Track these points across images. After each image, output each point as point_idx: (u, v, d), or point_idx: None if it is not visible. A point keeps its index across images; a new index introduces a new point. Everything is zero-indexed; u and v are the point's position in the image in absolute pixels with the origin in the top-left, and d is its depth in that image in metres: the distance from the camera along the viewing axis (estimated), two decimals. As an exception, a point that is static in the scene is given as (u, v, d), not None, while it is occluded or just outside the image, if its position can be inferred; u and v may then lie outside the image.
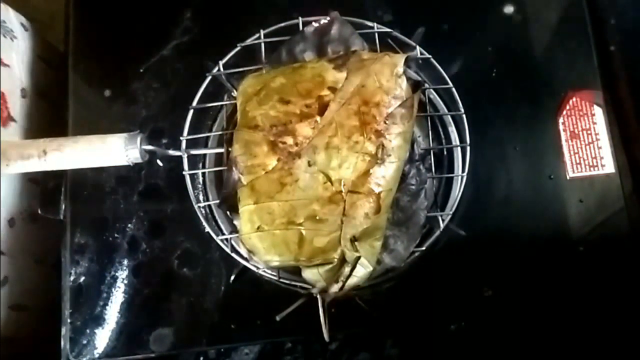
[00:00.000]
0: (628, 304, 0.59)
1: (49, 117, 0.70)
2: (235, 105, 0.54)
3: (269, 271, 0.54)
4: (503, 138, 0.63)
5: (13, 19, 0.66)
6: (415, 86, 0.52)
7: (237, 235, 0.53)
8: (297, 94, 0.50)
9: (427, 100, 0.57)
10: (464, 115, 0.56)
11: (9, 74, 0.64)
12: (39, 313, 0.69)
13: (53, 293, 0.62)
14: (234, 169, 0.50)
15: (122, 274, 0.61)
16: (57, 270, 0.61)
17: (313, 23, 0.55)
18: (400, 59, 0.51)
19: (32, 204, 0.66)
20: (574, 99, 0.64)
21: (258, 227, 0.48)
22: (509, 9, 0.66)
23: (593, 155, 0.63)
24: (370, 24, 0.56)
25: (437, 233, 0.54)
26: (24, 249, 0.67)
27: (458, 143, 0.60)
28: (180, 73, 0.65)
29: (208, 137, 0.62)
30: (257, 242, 0.49)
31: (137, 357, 0.59)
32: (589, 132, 0.63)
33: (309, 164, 0.48)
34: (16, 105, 0.64)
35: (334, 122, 0.49)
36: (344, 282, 0.48)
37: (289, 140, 0.49)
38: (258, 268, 0.54)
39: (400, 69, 0.51)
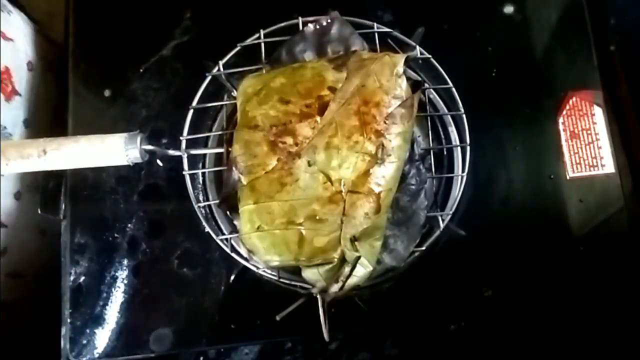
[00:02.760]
0: (628, 303, 0.59)
1: (54, 89, 0.70)
2: (235, 105, 0.53)
3: (269, 271, 0.54)
4: (503, 138, 0.63)
5: None
6: (415, 86, 0.52)
7: (237, 235, 0.53)
8: (297, 94, 0.50)
9: (427, 100, 0.57)
10: (464, 115, 0.56)
11: (12, 48, 0.63)
12: (36, 279, 0.69)
13: (52, 260, 0.62)
14: (234, 169, 0.50)
15: (122, 274, 0.61)
16: (58, 237, 0.62)
17: (310, 24, 0.55)
18: (400, 58, 0.51)
19: (37, 178, 0.67)
20: (574, 99, 0.64)
21: (258, 227, 0.48)
22: (509, 9, 0.66)
23: (593, 155, 0.63)
24: (370, 24, 0.56)
25: (437, 233, 0.54)
26: (28, 220, 0.67)
27: (458, 143, 0.60)
28: (180, 73, 0.65)
29: (208, 137, 0.62)
30: (257, 242, 0.49)
31: (137, 357, 0.59)
32: (589, 132, 0.63)
33: (309, 164, 0.48)
34: (22, 79, 0.64)
35: (334, 122, 0.49)
36: (344, 282, 0.48)
37: (289, 140, 0.49)
38: (258, 268, 0.54)
39: (400, 68, 0.51)
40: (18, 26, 0.66)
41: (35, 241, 0.69)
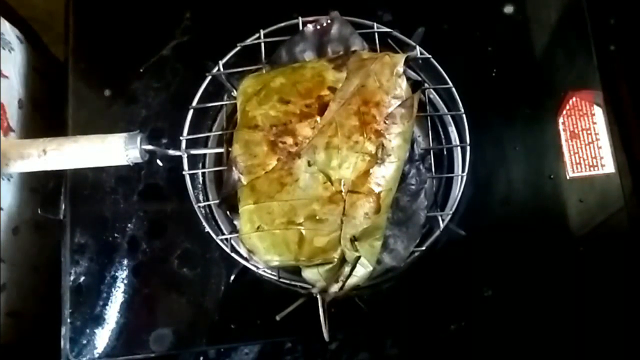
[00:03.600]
0: (628, 303, 0.59)
1: (42, 127, 0.70)
2: (235, 105, 0.54)
3: (269, 271, 0.54)
4: (503, 138, 0.63)
5: (10, 31, 0.66)
6: (415, 86, 0.52)
7: (237, 235, 0.53)
8: (297, 94, 0.50)
9: (427, 100, 0.57)
10: (464, 115, 0.56)
11: (7, 85, 0.64)
12: (33, 319, 0.69)
13: (48, 300, 0.61)
14: (234, 169, 0.50)
15: (122, 274, 0.60)
16: (53, 276, 0.61)
17: (309, 25, 0.55)
18: (400, 58, 0.51)
19: (36, 213, 0.66)
20: (574, 99, 0.64)
21: (258, 227, 0.48)
22: (509, 9, 0.66)
23: (593, 155, 0.63)
24: (370, 24, 0.56)
25: (437, 233, 0.54)
26: (25, 256, 0.67)
27: (458, 143, 0.60)
28: (180, 73, 0.65)
29: (208, 137, 0.62)
30: (257, 242, 0.49)
31: (137, 357, 0.59)
32: (589, 132, 0.63)
33: (309, 164, 0.48)
34: (14, 116, 0.64)
35: (334, 122, 0.49)
36: (344, 282, 0.48)
37: (289, 140, 0.49)
38: (258, 268, 0.54)
39: (400, 68, 0.51)
40: (15, 63, 0.66)
41: (31, 278, 0.69)
